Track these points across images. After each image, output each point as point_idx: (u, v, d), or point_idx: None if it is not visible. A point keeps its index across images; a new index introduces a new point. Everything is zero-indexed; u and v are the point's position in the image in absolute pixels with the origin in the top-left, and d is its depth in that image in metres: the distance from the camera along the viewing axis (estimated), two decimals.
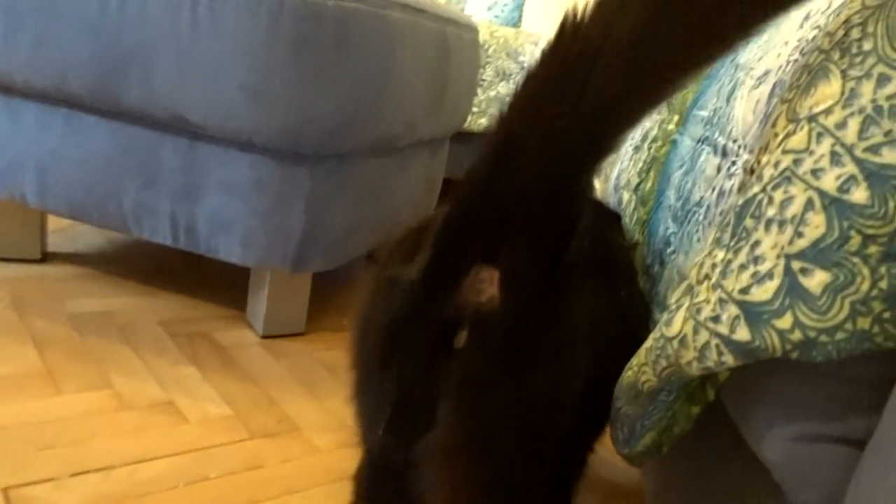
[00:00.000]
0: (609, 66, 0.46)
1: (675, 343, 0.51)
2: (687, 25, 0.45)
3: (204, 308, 1.49)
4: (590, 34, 0.47)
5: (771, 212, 0.44)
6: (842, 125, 0.41)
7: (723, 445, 0.68)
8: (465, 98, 1.77)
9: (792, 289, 0.42)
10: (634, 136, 0.93)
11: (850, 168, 0.40)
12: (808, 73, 0.46)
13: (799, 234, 0.42)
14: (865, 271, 0.39)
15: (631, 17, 0.45)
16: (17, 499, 0.85)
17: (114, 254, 1.69)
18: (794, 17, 0.61)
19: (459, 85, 1.68)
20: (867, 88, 0.40)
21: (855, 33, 0.42)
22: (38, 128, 1.31)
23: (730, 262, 0.47)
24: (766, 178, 0.46)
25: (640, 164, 0.86)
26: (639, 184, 0.84)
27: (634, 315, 0.75)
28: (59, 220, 1.77)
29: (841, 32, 0.43)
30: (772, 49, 0.62)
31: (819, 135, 0.42)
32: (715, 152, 0.67)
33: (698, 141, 0.73)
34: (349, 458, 0.90)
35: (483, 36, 2.27)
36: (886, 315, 0.40)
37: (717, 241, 0.50)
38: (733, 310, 0.45)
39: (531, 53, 2.28)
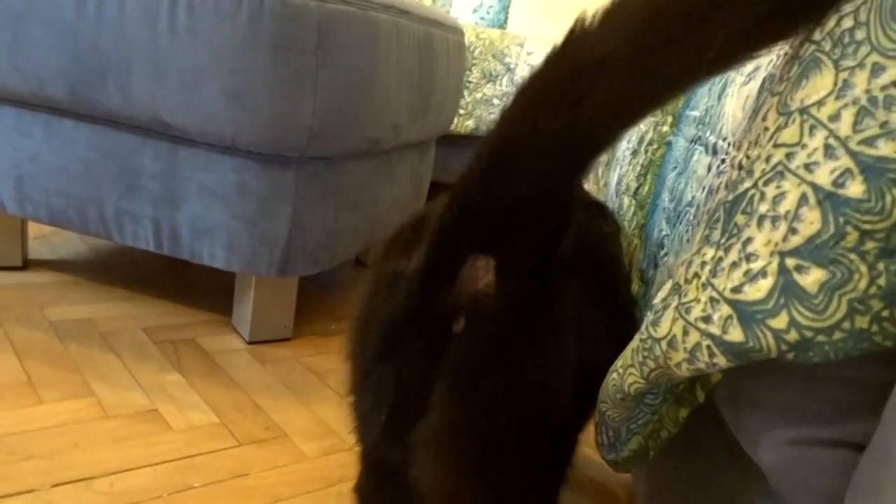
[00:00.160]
0: (613, 71, 0.47)
1: (664, 344, 0.50)
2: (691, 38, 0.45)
3: (188, 314, 1.47)
4: (597, 41, 0.48)
5: (763, 208, 0.43)
6: (835, 117, 0.40)
7: (715, 449, 0.67)
8: (452, 100, 1.76)
9: (787, 287, 0.40)
10: (632, 139, 0.92)
11: (845, 161, 0.39)
12: (799, 64, 0.44)
13: (793, 231, 0.40)
14: (863, 268, 0.38)
15: (637, 27, 0.46)
16: None
17: (96, 261, 1.67)
18: None
19: (445, 87, 1.67)
20: (861, 79, 0.39)
21: (847, 22, 0.41)
22: (16, 134, 1.29)
23: (720, 259, 0.46)
24: (757, 173, 0.44)
25: (638, 169, 0.85)
26: (637, 188, 0.83)
27: (618, 305, 0.76)
28: (40, 228, 1.75)
29: (832, 22, 0.42)
30: None
31: (812, 127, 0.41)
32: (706, 151, 0.66)
33: (691, 141, 0.72)
34: (337, 466, 0.89)
35: (469, 38, 2.26)
36: (885, 313, 0.38)
37: (706, 239, 0.49)
38: (725, 309, 0.44)
39: (517, 55, 2.27)
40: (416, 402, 0.61)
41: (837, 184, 0.39)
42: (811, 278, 0.40)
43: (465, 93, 2.30)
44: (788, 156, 0.42)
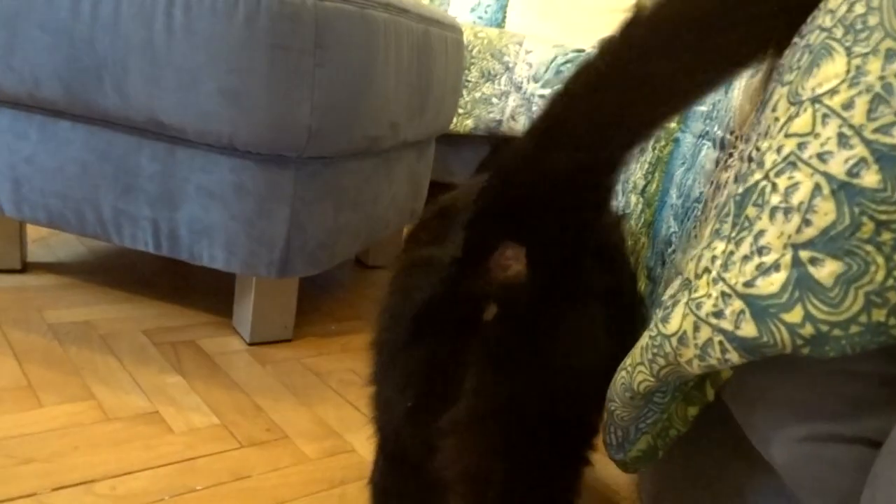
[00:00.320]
0: (664, 63, 0.49)
1: (674, 341, 0.49)
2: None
3: (188, 316, 1.46)
4: (651, 33, 0.49)
5: (775, 199, 0.42)
6: (849, 105, 0.39)
7: (721, 446, 0.66)
8: (450, 99, 1.75)
9: (801, 280, 0.39)
10: None
11: (860, 150, 0.38)
12: (810, 52, 0.43)
13: (807, 222, 0.39)
14: (880, 260, 0.37)
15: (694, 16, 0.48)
16: None
17: (95, 263, 1.66)
18: None
19: (444, 86, 1.66)
20: (874, 65, 0.38)
21: (859, 8, 0.40)
22: (12, 136, 1.28)
23: (731, 253, 0.45)
24: (768, 165, 0.43)
25: (646, 166, 0.84)
26: (645, 186, 0.83)
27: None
28: (39, 230, 1.74)
29: (844, 8, 0.41)
30: None
31: (824, 116, 0.40)
32: (714, 146, 0.65)
33: (699, 136, 0.71)
34: (339, 467, 0.88)
35: (467, 37, 2.25)
36: None
37: (717, 233, 0.48)
38: (737, 304, 0.43)
39: (515, 54, 2.26)
40: (445, 388, 0.62)
41: (852, 173, 0.38)
42: (826, 271, 0.39)
43: (464, 92, 2.29)
44: (801, 146, 0.41)
